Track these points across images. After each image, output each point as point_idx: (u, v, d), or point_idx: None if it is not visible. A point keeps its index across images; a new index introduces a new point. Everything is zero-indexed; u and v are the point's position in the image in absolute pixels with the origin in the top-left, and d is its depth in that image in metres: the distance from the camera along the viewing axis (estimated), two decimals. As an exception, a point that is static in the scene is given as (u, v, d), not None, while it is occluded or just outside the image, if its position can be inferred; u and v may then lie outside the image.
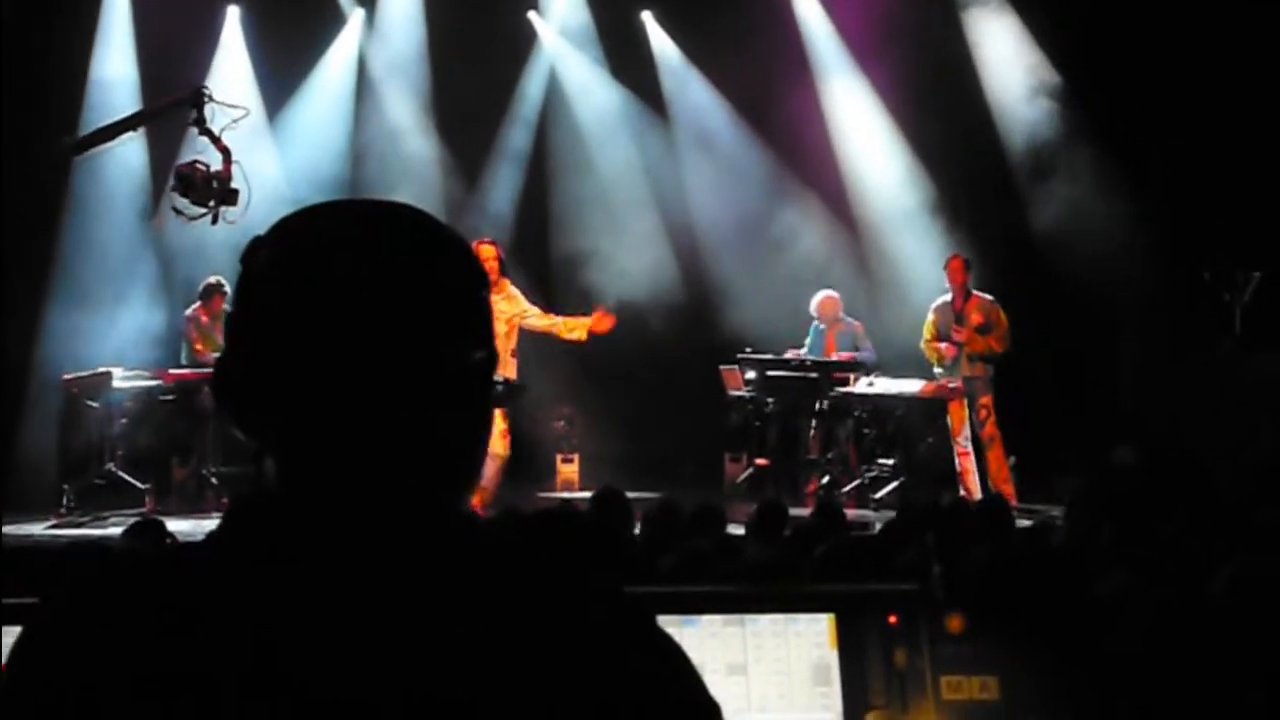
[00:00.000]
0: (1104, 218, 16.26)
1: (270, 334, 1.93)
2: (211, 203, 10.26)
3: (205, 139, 10.44)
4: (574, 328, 14.05)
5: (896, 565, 6.12)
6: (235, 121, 10.65)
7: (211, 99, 10.66)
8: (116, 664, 1.84)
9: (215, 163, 10.32)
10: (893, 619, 3.58)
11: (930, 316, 15.65)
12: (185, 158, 10.63)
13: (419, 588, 1.87)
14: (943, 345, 15.47)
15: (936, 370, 15.64)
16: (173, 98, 11.01)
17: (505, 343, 13.81)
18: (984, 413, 15.34)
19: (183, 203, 10.30)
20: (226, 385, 1.99)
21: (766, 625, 3.60)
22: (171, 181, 10.44)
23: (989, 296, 15.42)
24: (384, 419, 1.91)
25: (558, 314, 14.40)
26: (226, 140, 10.40)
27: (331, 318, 1.90)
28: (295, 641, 1.82)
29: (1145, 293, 15.93)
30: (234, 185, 10.32)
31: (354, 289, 1.91)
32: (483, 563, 1.94)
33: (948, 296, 15.52)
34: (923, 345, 15.70)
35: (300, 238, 2.00)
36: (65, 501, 14.21)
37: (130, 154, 16.34)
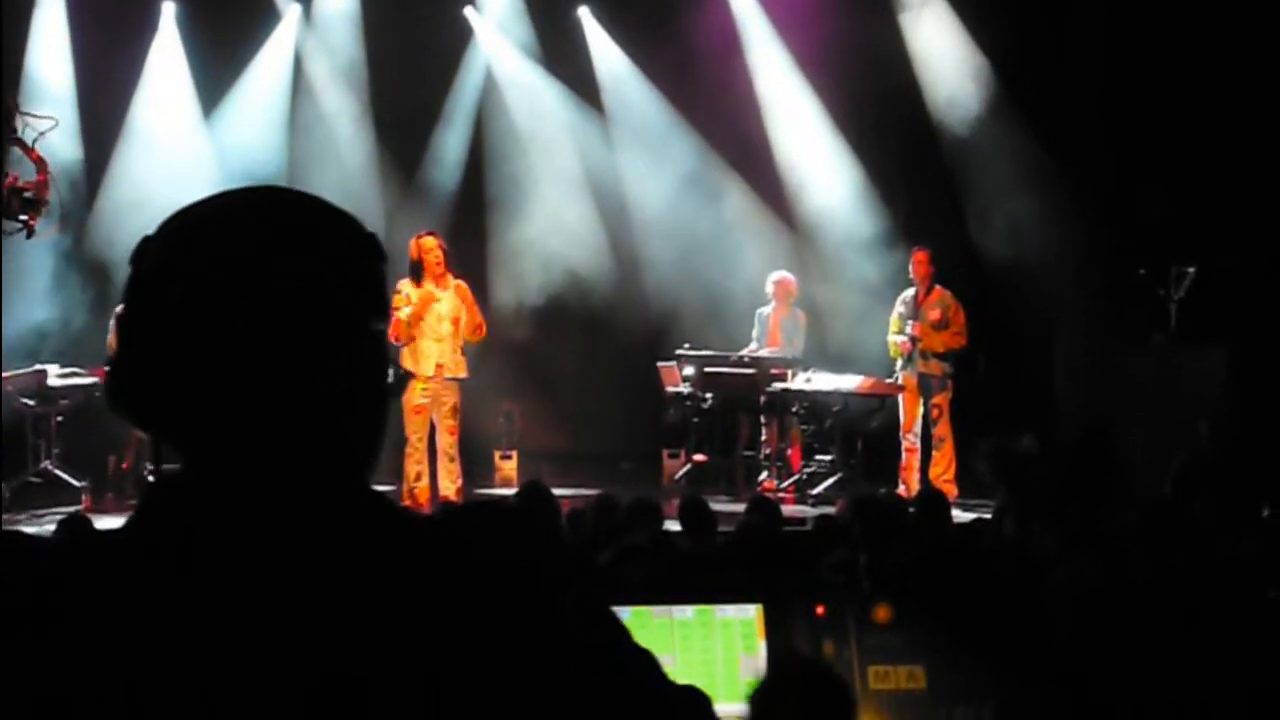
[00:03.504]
0: (1039, 214, 16.29)
1: (170, 330, 1.94)
2: (23, 217, 10.19)
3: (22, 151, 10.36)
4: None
5: (829, 559, 6.14)
6: (43, 133, 10.57)
7: (19, 110, 10.56)
8: (35, 651, 1.84)
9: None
10: (820, 610, 3.59)
11: (897, 309, 15.60)
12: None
13: (336, 566, 1.88)
14: (899, 339, 15.46)
15: (897, 364, 15.65)
16: None
17: (453, 340, 13.74)
18: (936, 411, 15.31)
19: None
20: (126, 387, 1.99)
21: (694, 616, 3.61)
22: None
23: (948, 292, 15.39)
24: (290, 400, 1.93)
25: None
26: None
27: (232, 308, 1.91)
28: (210, 623, 1.83)
29: (1080, 289, 15.99)
30: (44, 198, 10.24)
31: (252, 278, 1.93)
32: (399, 544, 1.95)
33: (914, 289, 15.51)
34: (888, 338, 15.70)
35: (192, 232, 2.00)
36: (1, 500, 14.13)
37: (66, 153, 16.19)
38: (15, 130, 10.36)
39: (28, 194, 10.20)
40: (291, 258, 1.95)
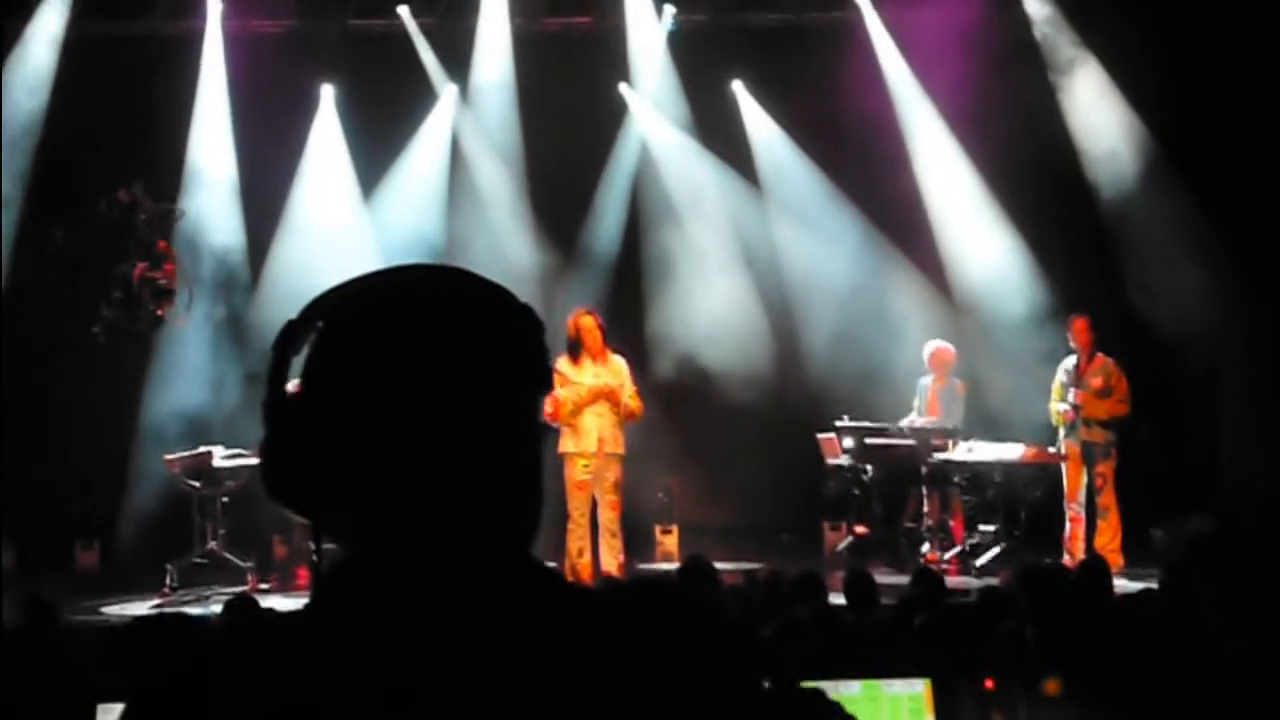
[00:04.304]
0: (1199, 279, 16.10)
1: (327, 414, 1.94)
2: (152, 307, 10.29)
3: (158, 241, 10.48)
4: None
5: (996, 631, 6.07)
6: (172, 224, 10.64)
7: (144, 202, 10.68)
8: None
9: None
10: (989, 683, 3.55)
11: (1059, 377, 15.47)
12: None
13: (511, 645, 1.87)
14: (1062, 408, 15.34)
15: (1059, 432, 15.52)
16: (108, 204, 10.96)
17: (613, 416, 13.81)
18: (1100, 480, 15.16)
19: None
20: (283, 473, 2.00)
21: (861, 691, 3.57)
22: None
23: (1111, 359, 15.26)
24: (451, 478, 1.92)
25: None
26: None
27: (389, 389, 1.91)
28: (396, 701, 1.83)
29: (1244, 354, 15.78)
30: (173, 286, 10.32)
31: (407, 358, 1.92)
32: (570, 617, 1.94)
33: (1075, 357, 15.35)
34: (1050, 406, 15.57)
35: (343, 315, 2.00)
36: (169, 580, 14.28)
37: (227, 237, 16.43)
38: (139, 223, 10.48)
39: (160, 283, 10.33)
40: (447, 335, 1.95)
